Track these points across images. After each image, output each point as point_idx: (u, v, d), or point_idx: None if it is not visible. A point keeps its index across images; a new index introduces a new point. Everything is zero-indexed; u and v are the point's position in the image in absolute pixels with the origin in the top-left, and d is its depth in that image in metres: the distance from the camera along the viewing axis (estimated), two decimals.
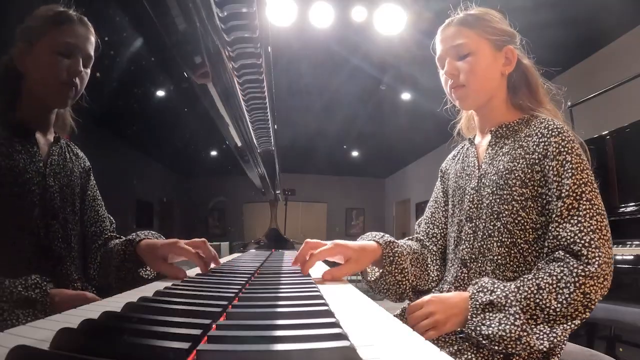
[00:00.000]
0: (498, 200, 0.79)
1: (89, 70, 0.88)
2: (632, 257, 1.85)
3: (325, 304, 0.45)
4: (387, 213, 10.19)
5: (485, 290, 0.70)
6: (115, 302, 0.51)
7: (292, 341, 0.30)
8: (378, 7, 3.01)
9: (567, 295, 0.66)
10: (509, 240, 0.77)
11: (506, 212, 0.77)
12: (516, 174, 0.77)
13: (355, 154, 8.47)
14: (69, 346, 0.29)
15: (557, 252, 0.71)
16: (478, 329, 0.67)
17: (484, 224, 0.81)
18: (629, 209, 2.04)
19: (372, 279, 0.87)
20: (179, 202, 8.84)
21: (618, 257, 1.91)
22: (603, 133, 2.26)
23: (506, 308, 0.66)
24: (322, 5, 2.99)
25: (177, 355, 0.27)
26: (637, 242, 1.88)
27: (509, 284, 0.70)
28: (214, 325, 0.35)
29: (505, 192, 0.78)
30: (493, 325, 0.65)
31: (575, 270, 0.67)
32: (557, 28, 3.10)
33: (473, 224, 0.83)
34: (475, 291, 0.70)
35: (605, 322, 1.77)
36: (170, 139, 6.23)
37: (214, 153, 7.87)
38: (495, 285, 0.69)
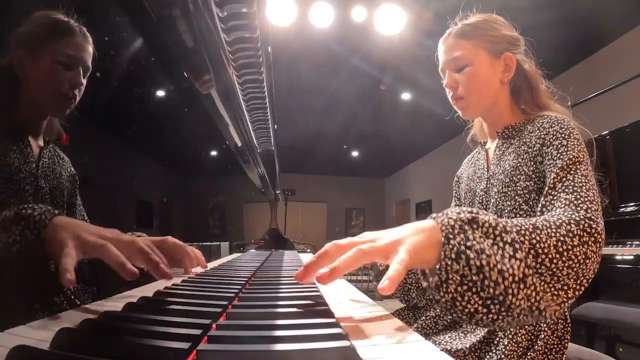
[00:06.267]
0: (503, 197, 0.79)
1: (85, 81, 0.90)
2: (632, 257, 1.85)
3: (325, 304, 0.45)
4: (387, 213, 10.19)
5: (458, 210, 0.50)
6: (116, 302, 0.51)
7: (292, 341, 0.30)
8: (378, 7, 3.01)
9: (569, 247, 0.51)
10: None
11: (509, 208, 0.77)
12: (521, 170, 0.77)
13: (355, 154, 8.47)
14: (69, 346, 0.29)
15: (557, 208, 0.61)
16: (462, 255, 0.45)
17: None
18: (629, 209, 2.04)
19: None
20: (179, 202, 8.84)
21: (618, 257, 1.91)
22: (603, 133, 2.26)
23: (497, 232, 0.48)
24: (322, 5, 2.98)
25: (177, 355, 0.27)
26: (637, 242, 1.88)
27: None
28: (214, 325, 0.35)
29: (510, 188, 0.78)
30: (487, 251, 0.45)
31: (581, 222, 0.55)
32: (557, 28, 3.10)
33: None
34: (440, 214, 0.51)
35: (605, 322, 1.77)
36: (170, 139, 6.23)
37: (214, 153, 7.87)
38: (475, 210, 0.50)
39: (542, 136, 0.75)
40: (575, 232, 0.53)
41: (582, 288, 0.53)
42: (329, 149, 7.42)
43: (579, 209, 0.59)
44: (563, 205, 0.61)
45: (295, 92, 4.56)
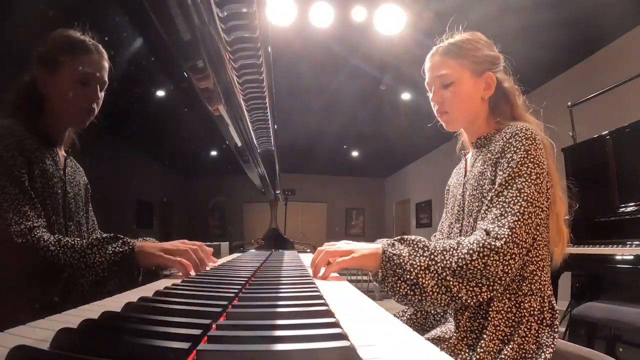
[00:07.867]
0: (472, 200, 0.87)
1: (103, 94, 0.96)
2: (632, 257, 1.85)
3: (325, 304, 0.45)
4: (387, 213, 10.19)
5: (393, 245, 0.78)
6: (115, 302, 0.51)
7: (292, 341, 0.30)
8: (378, 7, 3.01)
9: (468, 261, 0.71)
10: None
11: (477, 209, 0.84)
12: (485, 175, 0.84)
13: (355, 154, 8.46)
14: (69, 346, 0.29)
15: (476, 231, 0.77)
16: (393, 259, 0.74)
17: (464, 222, 0.90)
18: (629, 209, 2.04)
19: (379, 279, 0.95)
20: (179, 202, 8.84)
21: (618, 257, 1.91)
22: (603, 133, 2.27)
23: (418, 246, 0.75)
24: (322, 5, 2.98)
25: (177, 355, 0.27)
26: (637, 242, 1.88)
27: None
28: (214, 325, 0.35)
29: (477, 191, 0.85)
30: (404, 254, 0.74)
31: (482, 242, 0.72)
32: (557, 28, 3.10)
33: (459, 224, 0.93)
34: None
35: (605, 322, 1.77)
36: (170, 139, 6.23)
37: (214, 153, 7.87)
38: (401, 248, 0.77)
39: (503, 145, 0.82)
40: (475, 249, 0.71)
41: (497, 281, 0.71)
42: (329, 149, 7.41)
43: (501, 224, 0.74)
44: (490, 221, 0.76)
45: (295, 92, 4.55)
